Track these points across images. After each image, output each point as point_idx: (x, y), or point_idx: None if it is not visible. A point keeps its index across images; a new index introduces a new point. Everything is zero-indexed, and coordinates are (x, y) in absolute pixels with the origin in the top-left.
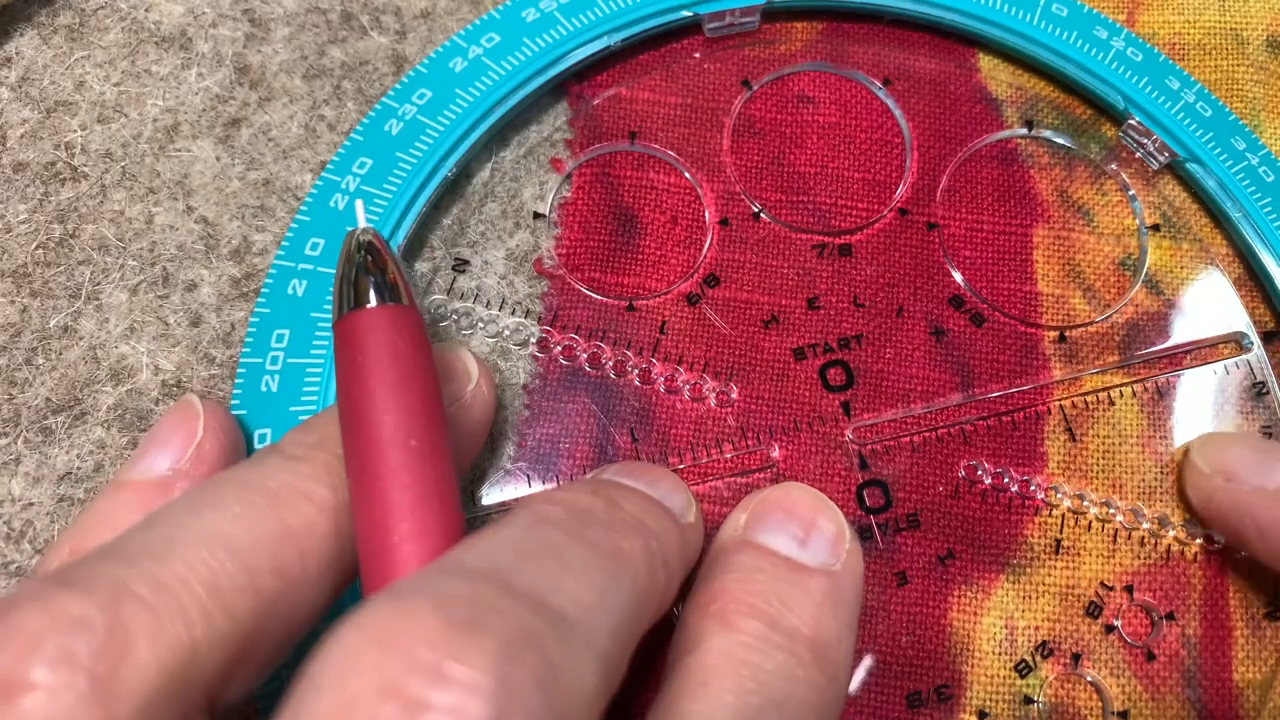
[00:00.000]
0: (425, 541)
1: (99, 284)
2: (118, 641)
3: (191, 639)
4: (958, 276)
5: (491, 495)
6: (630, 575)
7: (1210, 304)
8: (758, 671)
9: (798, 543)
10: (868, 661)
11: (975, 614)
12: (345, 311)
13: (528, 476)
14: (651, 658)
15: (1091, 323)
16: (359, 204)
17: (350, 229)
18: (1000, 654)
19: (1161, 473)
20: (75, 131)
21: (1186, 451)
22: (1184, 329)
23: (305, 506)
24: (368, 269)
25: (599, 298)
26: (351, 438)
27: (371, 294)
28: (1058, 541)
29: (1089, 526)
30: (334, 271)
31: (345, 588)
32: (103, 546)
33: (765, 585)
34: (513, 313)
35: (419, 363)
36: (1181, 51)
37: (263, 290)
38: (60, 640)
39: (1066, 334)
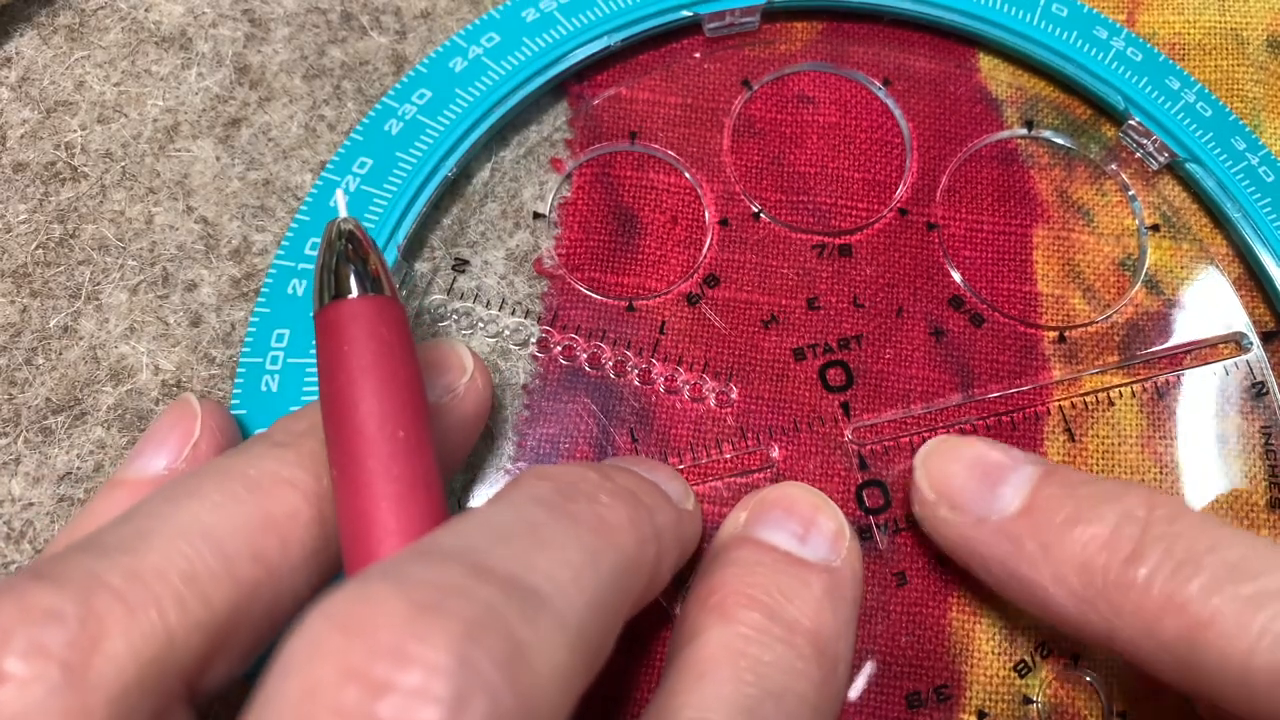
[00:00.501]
0: (410, 533)
1: (99, 284)
2: (90, 632)
3: (166, 628)
4: (957, 277)
5: (490, 496)
6: (615, 548)
7: (1210, 304)
8: (756, 663)
9: (797, 539)
10: (869, 667)
11: (975, 614)
12: (326, 301)
13: None
14: (652, 655)
15: (1091, 323)
16: (339, 194)
17: (331, 220)
18: (1000, 654)
19: (1161, 473)
20: (75, 131)
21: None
22: (1184, 329)
23: (288, 493)
24: (348, 258)
25: (599, 298)
26: (335, 429)
27: (353, 283)
28: None
29: None
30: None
31: (332, 573)
32: (80, 540)
33: (765, 578)
34: (513, 313)
35: (404, 355)
36: (1181, 51)
37: (263, 290)
38: (32, 632)
39: (1066, 334)
